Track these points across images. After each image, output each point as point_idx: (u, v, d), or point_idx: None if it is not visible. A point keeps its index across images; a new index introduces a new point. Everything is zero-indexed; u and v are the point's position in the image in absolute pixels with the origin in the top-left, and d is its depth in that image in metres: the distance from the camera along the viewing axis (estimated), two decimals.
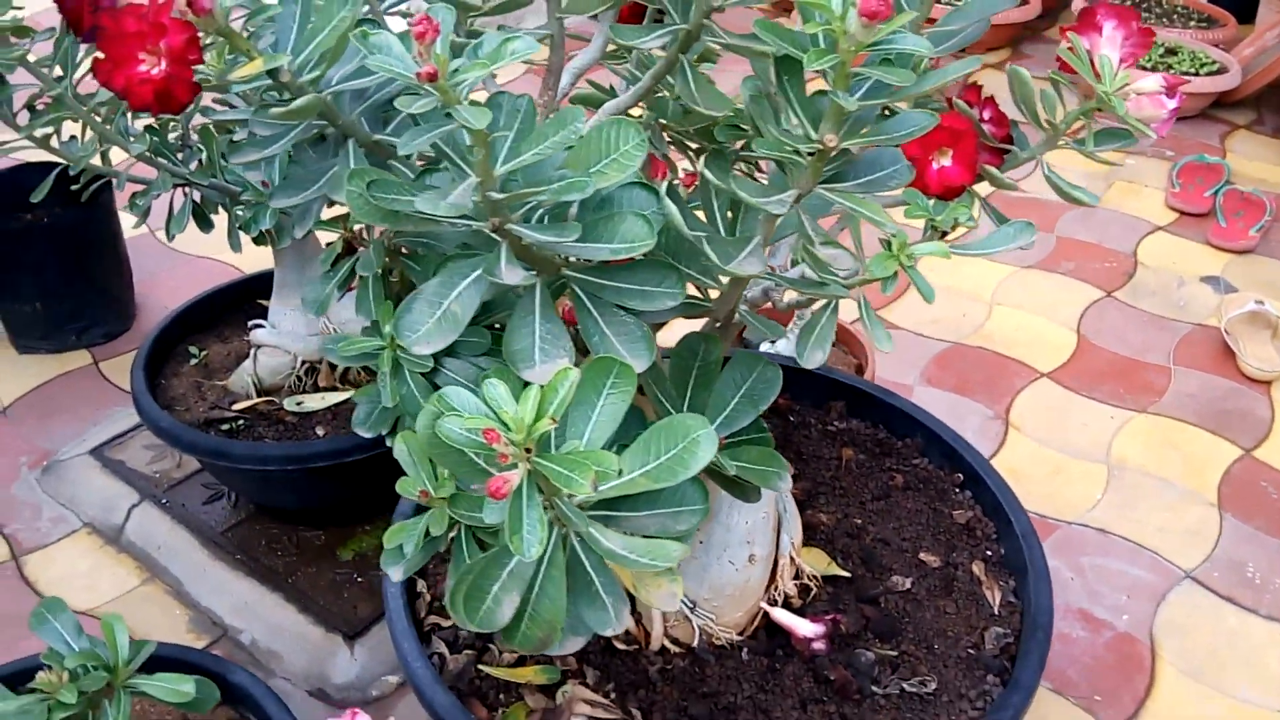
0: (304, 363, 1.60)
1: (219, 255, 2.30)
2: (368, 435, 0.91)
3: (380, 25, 0.71)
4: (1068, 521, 1.72)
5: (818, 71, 0.62)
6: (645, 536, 0.73)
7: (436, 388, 0.86)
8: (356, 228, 0.98)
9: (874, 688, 1.12)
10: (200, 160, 1.38)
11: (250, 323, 1.62)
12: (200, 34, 0.65)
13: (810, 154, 0.67)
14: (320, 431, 1.52)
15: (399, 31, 0.67)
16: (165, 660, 1.01)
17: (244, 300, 1.78)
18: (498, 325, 0.87)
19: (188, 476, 1.73)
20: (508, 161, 0.65)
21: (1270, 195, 2.46)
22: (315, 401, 1.58)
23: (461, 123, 0.58)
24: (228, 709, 1.11)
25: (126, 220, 2.06)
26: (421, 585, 1.21)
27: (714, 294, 0.88)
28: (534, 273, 0.68)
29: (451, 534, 0.88)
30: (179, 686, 0.82)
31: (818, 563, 1.23)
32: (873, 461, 1.40)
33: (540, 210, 0.70)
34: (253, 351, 1.60)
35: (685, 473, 0.69)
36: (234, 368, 1.64)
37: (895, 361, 1.98)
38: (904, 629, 1.18)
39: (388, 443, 0.96)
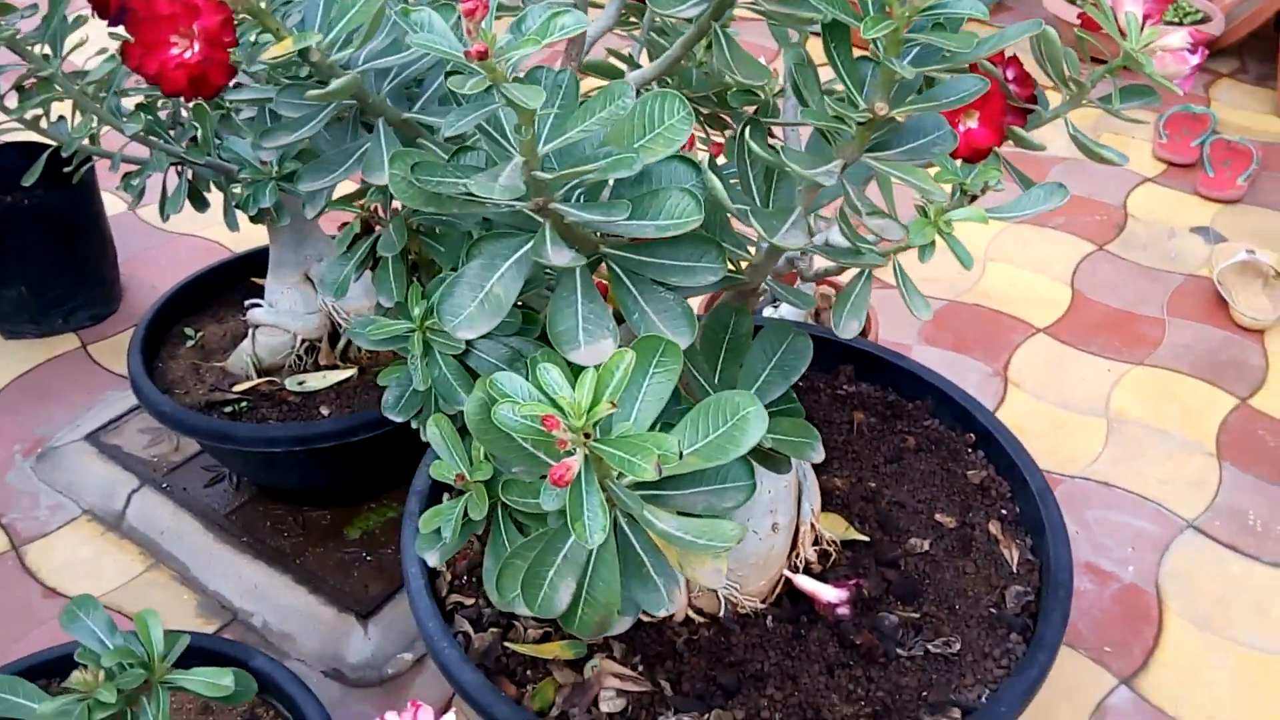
0: (304, 341, 1.58)
1: (203, 232, 2.26)
2: (398, 419, 0.89)
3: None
4: (1070, 475, 1.73)
5: (867, 39, 0.60)
6: (692, 515, 0.73)
7: (469, 369, 0.84)
8: (373, 206, 0.96)
9: (899, 650, 1.12)
10: (195, 138, 1.34)
11: (247, 302, 1.60)
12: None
13: (861, 123, 0.66)
14: (325, 411, 1.51)
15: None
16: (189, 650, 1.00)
17: (237, 279, 1.75)
18: (526, 304, 0.86)
19: (187, 460, 1.71)
20: (552, 139, 0.63)
21: (1256, 144, 2.47)
22: (317, 380, 1.56)
23: (515, 101, 0.56)
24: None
25: (109, 200, 2.03)
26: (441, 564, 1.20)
27: (742, 265, 0.87)
28: (579, 253, 0.67)
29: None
30: (219, 680, 0.80)
31: (836, 528, 1.23)
32: (884, 424, 1.40)
33: (580, 188, 0.69)
34: (251, 331, 1.58)
35: (736, 450, 0.68)
36: (231, 348, 1.62)
37: (893, 321, 1.98)
38: (925, 590, 1.19)
39: (413, 425, 0.95)
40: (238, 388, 1.55)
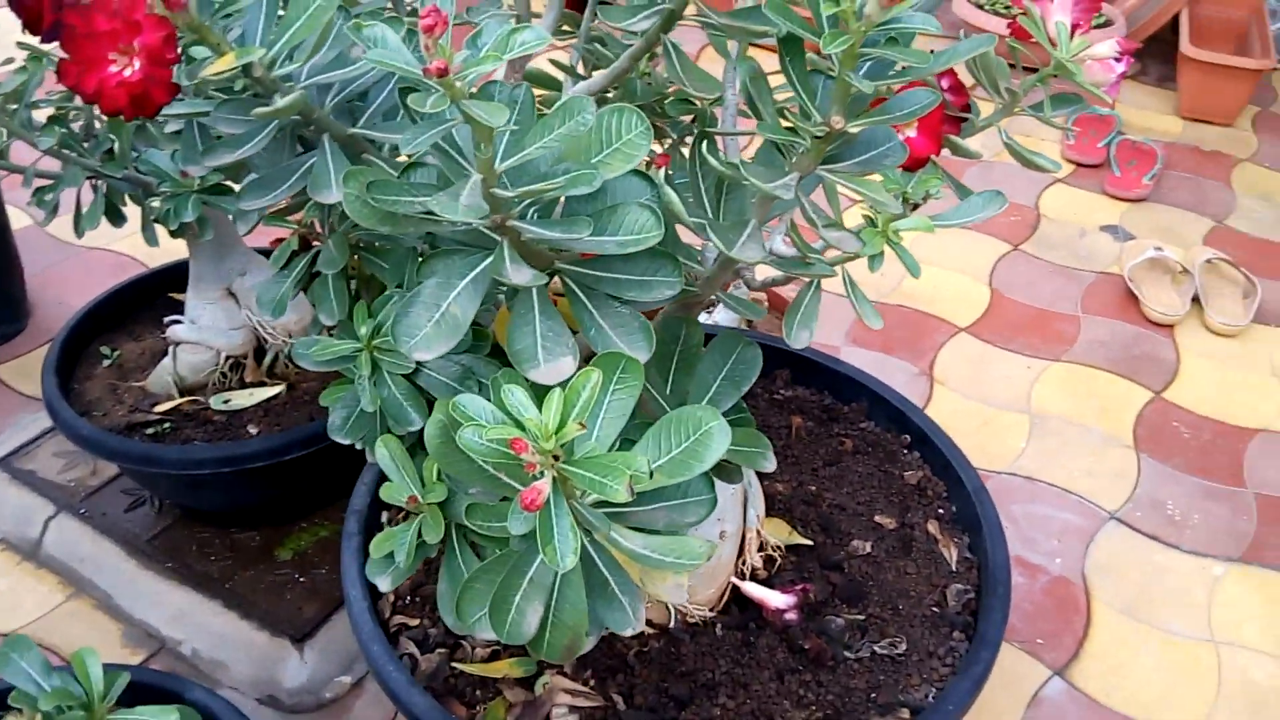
0: (228, 358, 1.54)
1: (113, 246, 2.18)
2: (345, 442, 0.87)
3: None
4: (997, 471, 1.77)
5: (827, 53, 0.61)
6: (653, 532, 0.72)
7: (419, 389, 0.83)
8: (310, 221, 0.93)
9: (846, 653, 1.13)
10: (111, 151, 1.30)
11: (167, 319, 1.55)
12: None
13: (818, 137, 0.66)
14: (253, 430, 1.46)
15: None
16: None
17: (154, 295, 1.69)
18: (475, 321, 0.84)
19: (105, 483, 1.65)
20: (510, 156, 0.62)
21: (1159, 144, 2.55)
22: (244, 398, 1.51)
23: (476, 119, 0.55)
24: None
25: (14, 214, 1.94)
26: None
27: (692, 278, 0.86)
28: (538, 271, 0.66)
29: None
30: (163, 719, 0.77)
31: (779, 532, 1.24)
32: (821, 428, 1.41)
33: (535, 205, 0.68)
34: (171, 349, 1.53)
35: (701, 466, 0.68)
36: (150, 367, 1.56)
37: (821, 324, 1.99)
38: (869, 592, 1.20)
39: (357, 446, 0.93)
40: (159, 408, 1.49)
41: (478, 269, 0.68)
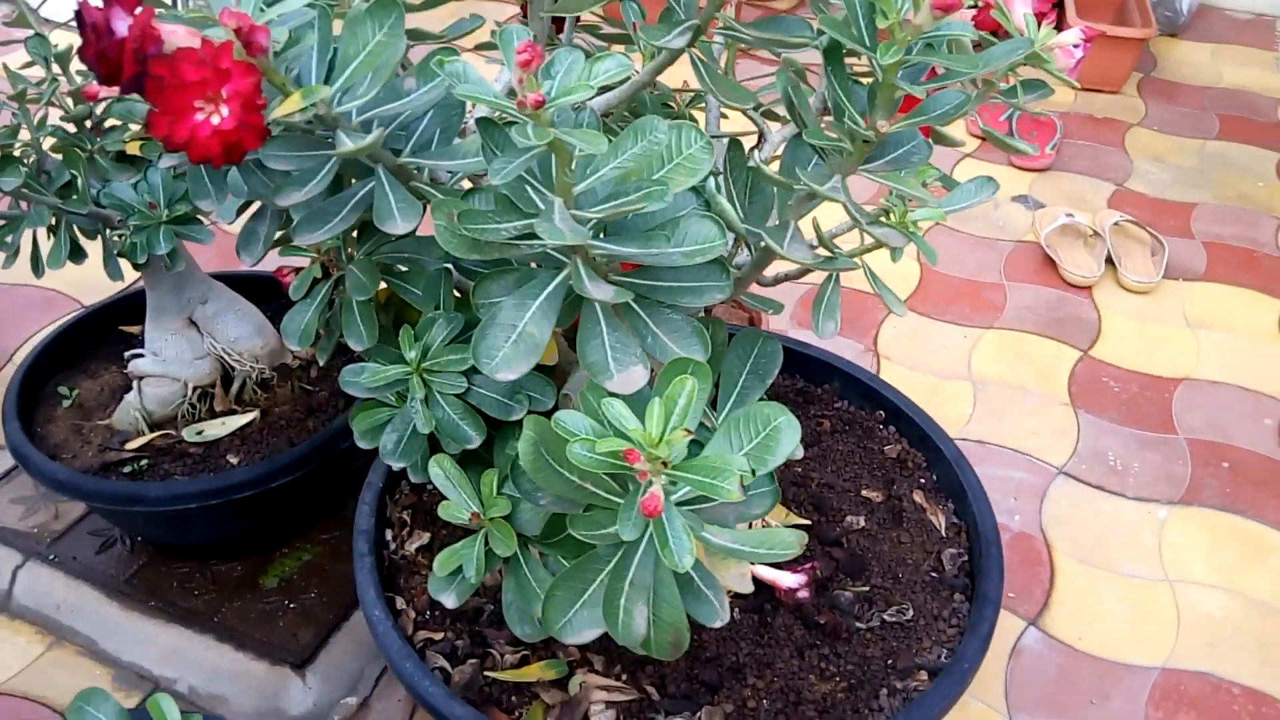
0: (196, 389, 1.51)
1: (38, 282, 2.10)
2: (398, 465, 0.88)
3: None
4: (950, 438, 1.85)
5: (885, 64, 0.65)
6: (721, 525, 0.76)
7: (472, 406, 0.84)
8: (328, 250, 0.93)
9: (858, 624, 1.19)
10: (75, 186, 1.26)
11: (128, 353, 1.51)
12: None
13: (866, 140, 0.70)
14: (233, 459, 1.45)
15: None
16: None
17: (103, 330, 1.65)
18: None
19: (70, 527, 1.61)
20: (587, 178, 0.65)
21: (1056, 114, 2.68)
22: (217, 428, 1.49)
23: (575, 146, 0.57)
24: None
25: None
26: (401, 603, 1.18)
27: None
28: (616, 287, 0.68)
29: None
30: None
31: (777, 515, 1.29)
32: (798, 411, 1.46)
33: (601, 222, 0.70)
34: (136, 384, 1.50)
35: (774, 460, 0.71)
36: (112, 404, 1.53)
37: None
38: (870, 564, 1.25)
39: (395, 466, 0.94)
40: (131, 445, 1.46)
41: (549, 288, 0.70)
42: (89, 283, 2.05)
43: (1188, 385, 1.98)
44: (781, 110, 1.03)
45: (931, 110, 0.72)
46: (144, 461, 1.43)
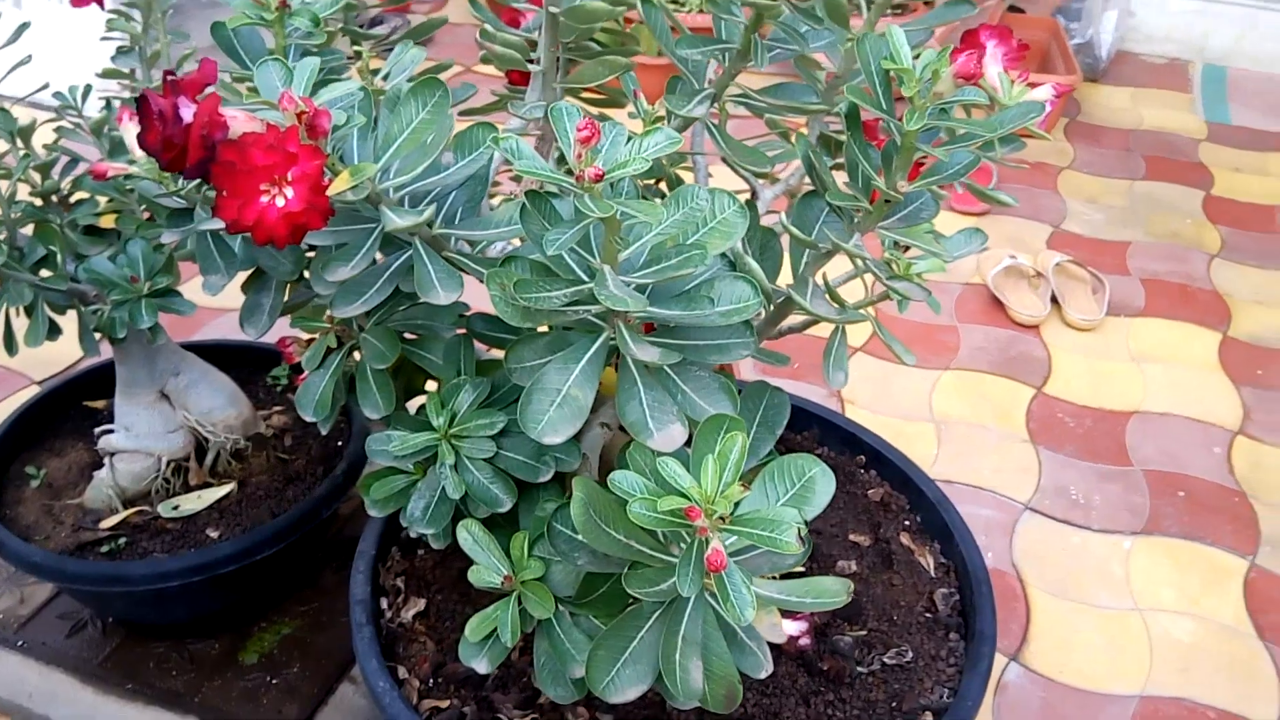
0: (170, 463, 1.48)
1: None
2: (428, 531, 0.88)
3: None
4: (931, 480, 1.89)
5: (910, 129, 0.68)
6: (760, 576, 0.77)
7: (500, 470, 0.85)
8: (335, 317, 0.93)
9: (859, 668, 1.20)
10: (51, 262, 1.24)
11: (98, 430, 1.48)
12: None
13: (888, 200, 0.73)
14: (213, 533, 1.42)
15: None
16: None
17: (65, 407, 1.62)
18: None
19: (37, 611, 1.55)
20: (631, 245, 0.66)
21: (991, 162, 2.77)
22: (193, 502, 1.47)
23: (633, 216, 0.59)
24: None
25: None
26: (404, 671, 1.17)
27: None
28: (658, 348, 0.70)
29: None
30: None
31: None
32: None
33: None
34: (107, 460, 1.47)
35: (811, 511, 0.73)
36: (82, 482, 1.49)
37: None
38: (865, 608, 1.27)
39: (413, 533, 0.93)
40: (105, 523, 1.43)
41: (590, 352, 0.71)
42: (39, 357, 2.00)
43: (1139, 418, 2.05)
44: (774, 170, 1.06)
45: (945, 170, 0.75)
46: (121, 540, 1.40)
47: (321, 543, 1.63)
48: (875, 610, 1.27)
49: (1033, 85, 1.07)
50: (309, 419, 0.92)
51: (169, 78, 0.62)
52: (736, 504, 0.74)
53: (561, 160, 0.66)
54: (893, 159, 0.73)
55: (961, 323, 2.30)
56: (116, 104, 1.26)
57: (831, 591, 0.74)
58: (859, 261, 0.79)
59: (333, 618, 1.58)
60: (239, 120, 0.62)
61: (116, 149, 1.34)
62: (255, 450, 1.56)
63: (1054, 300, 2.34)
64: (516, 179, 0.93)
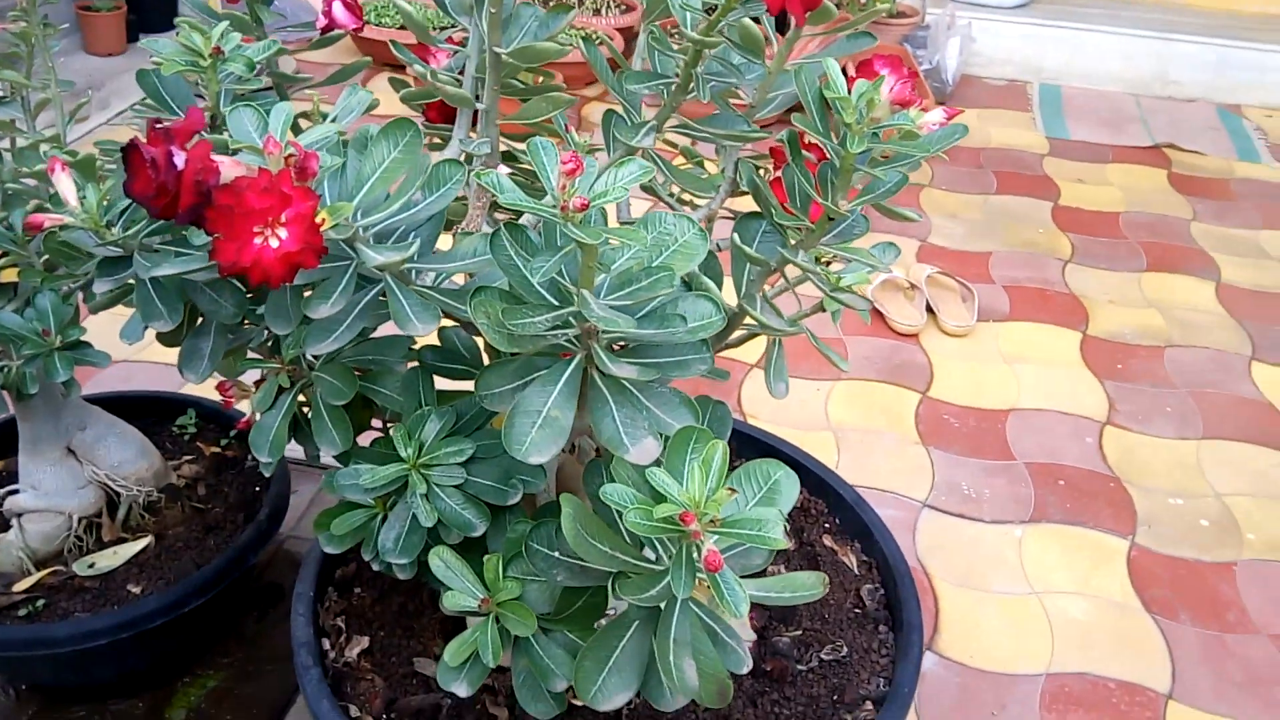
0: (81, 520, 1.44)
1: None
2: (401, 561, 0.89)
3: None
4: (847, 483, 1.97)
5: (854, 151, 0.74)
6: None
7: (471, 496, 0.87)
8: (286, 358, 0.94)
9: (799, 666, 1.26)
10: None
11: (1, 490, 1.43)
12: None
13: (831, 219, 0.79)
14: (135, 589, 1.38)
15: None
16: None
17: None
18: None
19: None
20: (611, 269, 0.70)
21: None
22: (109, 559, 1.43)
23: (619, 242, 0.63)
24: None
25: None
26: (355, 710, 1.17)
27: None
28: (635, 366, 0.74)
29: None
30: None
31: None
32: None
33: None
34: (15, 521, 1.41)
35: (782, 510, 0.78)
36: None
37: None
38: (798, 609, 1.33)
39: (376, 565, 0.95)
40: (19, 586, 1.38)
41: (566, 374, 0.75)
42: None
43: (1016, 415, 2.18)
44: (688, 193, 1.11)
45: (878, 189, 0.81)
46: (40, 602, 1.35)
47: (244, 591, 1.60)
48: (808, 610, 1.33)
49: (925, 109, 1.17)
50: (264, 460, 0.92)
51: (158, 125, 0.63)
52: None
53: (530, 191, 0.69)
54: (830, 180, 0.79)
55: (847, 335, 2.41)
56: (46, 154, 1.22)
57: (808, 585, 0.79)
58: (808, 276, 0.84)
59: (259, 665, 1.55)
60: (226, 165, 0.64)
61: (10, 201, 1.31)
62: (168, 502, 1.52)
63: (929, 310, 2.47)
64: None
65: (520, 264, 0.70)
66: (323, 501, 1.84)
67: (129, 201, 0.89)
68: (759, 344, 2.31)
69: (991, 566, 1.82)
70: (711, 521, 0.67)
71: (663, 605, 0.75)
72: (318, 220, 0.63)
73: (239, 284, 0.94)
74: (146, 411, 1.64)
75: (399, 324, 0.73)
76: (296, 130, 0.70)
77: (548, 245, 0.71)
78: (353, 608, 1.29)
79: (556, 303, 0.71)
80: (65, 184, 0.88)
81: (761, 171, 0.94)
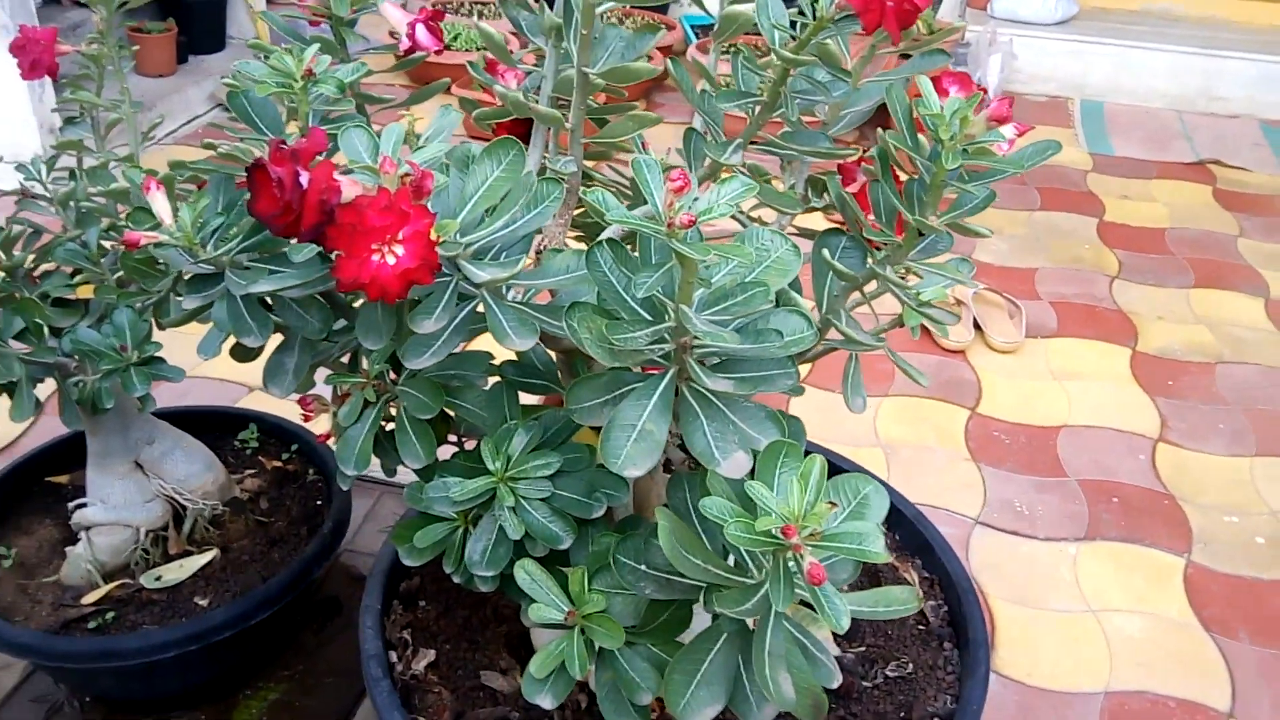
0: (149, 533, 1.46)
1: None
2: (487, 573, 0.89)
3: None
4: (906, 499, 1.96)
5: (949, 167, 0.74)
6: None
7: (557, 509, 0.88)
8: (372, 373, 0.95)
9: (864, 682, 1.26)
10: (33, 335, 1.23)
11: (72, 504, 1.45)
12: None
13: (920, 234, 0.79)
14: (201, 601, 1.40)
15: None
16: None
17: (27, 484, 1.57)
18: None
19: (8, 695, 1.50)
20: (711, 284, 0.71)
21: None
22: (176, 572, 1.44)
23: (723, 258, 0.64)
24: None
25: None
26: None
27: None
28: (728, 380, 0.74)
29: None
30: None
31: None
32: None
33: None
34: (84, 535, 1.44)
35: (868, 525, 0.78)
36: (54, 559, 1.46)
37: None
38: (861, 626, 1.33)
39: (455, 573, 0.95)
40: (88, 599, 1.40)
41: (660, 387, 0.75)
42: None
43: (1067, 431, 2.17)
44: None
45: (967, 204, 0.82)
46: (109, 614, 1.37)
47: (305, 604, 1.62)
48: (870, 627, 1.33)
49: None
50: (349, 472, 0.93)
51: (281, 146, 0.64)
52: None
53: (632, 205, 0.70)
54: (919, 195, 0.79)
55: (895, 351, 2.40)
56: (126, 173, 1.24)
57: (902, 600, 0.79)
58: (891, 290, 0.85)
59: (318, 679, 1.56)
60: (345, 184, 0.65)
61: (84, 219, 1.34)
62: (232, 515, 1.54)
63: (977, 326, 2.46)
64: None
65: (615, 280, 0.71)
66: (377, 517, 1.86)
67: (220, 220, 0.90)
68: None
69: (1047, 584, 1.80)
70: (812, 534, 0.68)
71: (756, 618, 0.75)
72: (433, 237, 0.64)
73: (324, 300, 0.96)
74: (209, 426, 1.66)
75: (497, 338, 0.75)
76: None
77: (644, 261, 0.72)
78: (418, 621, 1.30)
79: (650, 318, 0.72)
80: (161, 203, 0.90)
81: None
